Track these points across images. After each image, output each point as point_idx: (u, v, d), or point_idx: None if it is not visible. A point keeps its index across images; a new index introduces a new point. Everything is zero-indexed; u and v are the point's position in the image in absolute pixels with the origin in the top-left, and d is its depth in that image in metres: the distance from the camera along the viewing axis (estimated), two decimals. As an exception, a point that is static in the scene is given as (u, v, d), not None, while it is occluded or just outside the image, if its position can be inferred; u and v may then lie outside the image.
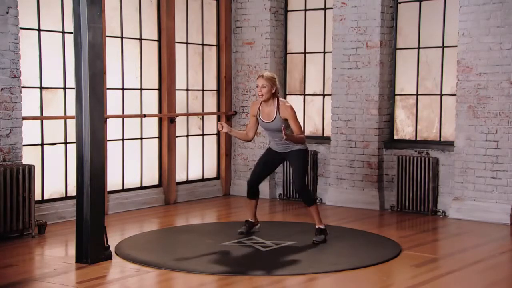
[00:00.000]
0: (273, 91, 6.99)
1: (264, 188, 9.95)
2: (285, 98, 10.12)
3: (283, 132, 6.72)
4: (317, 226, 7.13)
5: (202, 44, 10.01)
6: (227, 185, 10.31)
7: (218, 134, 10.27)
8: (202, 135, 10.09)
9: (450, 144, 8.74)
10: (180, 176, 9.70)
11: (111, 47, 8.66)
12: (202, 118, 10.07)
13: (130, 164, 9.04)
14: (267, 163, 7.33)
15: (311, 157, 9.63)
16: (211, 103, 10.18)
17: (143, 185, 9.24)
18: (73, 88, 6.30)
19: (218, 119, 10.17)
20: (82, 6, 6.07)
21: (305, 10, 9.96)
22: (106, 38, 8.45)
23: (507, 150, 8.20)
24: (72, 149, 7.89)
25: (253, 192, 7.35)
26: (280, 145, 7.12)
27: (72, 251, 6.50)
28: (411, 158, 8.88)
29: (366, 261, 6.41)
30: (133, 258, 6.41)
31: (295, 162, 7.09)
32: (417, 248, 6.98)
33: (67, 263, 6.27)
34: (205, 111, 10.07)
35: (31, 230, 7.30)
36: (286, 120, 6.98)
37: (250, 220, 7.47)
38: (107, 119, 8.39)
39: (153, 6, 9.26)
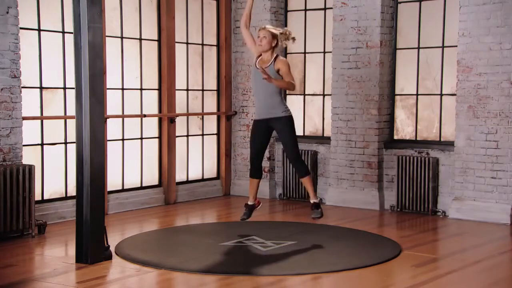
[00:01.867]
0: (273, 45, 7.03)
1: (264, 188, 9.95)
2: (285, 98, 10.11)
3: (263, 73, 6.66)
4: (312, 201, 7.15)
5: (202, 44, 10.01)
6: (227, 185, 10.31)
7: (218, 134, 10.27)
8: (202, 135, 10.09)
9: (450, 144, 8.74)
10: (180, 176, 9.71)
11: (111, 47, 8.66)
12: (202, 118, 10.07)
13: (130, 164, 9.04)
14: (260, 136, 7.19)
15: (311, 157, 9.64)
16: (211, 103, 10.18)
17: (143, 185, 9.24)
18: (73, 88, 6.30)
19: (218, 119, 10.18)
20: (82, 6, 6.07)
21: (305, 10, 9.96)
22: (106, 38, 8.45)
23: (507, 150, 8.20)
24: (72, 149, 7.89)
25: (256, 168, 7.22)
26: (265, 107, 7.01)
27: (72, 251, 6.50)
28: (411, 158, 8.88)
29: (366, 261, 6.41)
30: (133, 258, 6.41)
31: (284, 130, 7.03)
32: (417, 248, 6.98)
33: (67, 263, 6.27)
34: (205, 111, 10.07)
35: (31, 230, 7.30)
36: (278, 72, 6.94)
37: (249, 203, 7.36)
38: (107, 119, 8.39)
39: (153, 6, 9.26)
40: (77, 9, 6.12)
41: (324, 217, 8.63)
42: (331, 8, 9.48)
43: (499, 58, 8.20)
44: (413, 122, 9.16)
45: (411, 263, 6.39)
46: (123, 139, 8.94)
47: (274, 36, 7.04)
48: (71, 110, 7.94)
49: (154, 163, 9.38)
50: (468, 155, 8.45)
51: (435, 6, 8.93)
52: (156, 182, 9.40)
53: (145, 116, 9.08)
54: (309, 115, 10.01)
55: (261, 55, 7.15)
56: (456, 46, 8.55)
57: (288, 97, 10.10)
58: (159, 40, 9.30)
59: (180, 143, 9.69)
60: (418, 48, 9.07)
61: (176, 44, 9.46)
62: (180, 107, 9.66)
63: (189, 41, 9.81)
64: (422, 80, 9.08)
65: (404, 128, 9.27)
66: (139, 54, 9.11)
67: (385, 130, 9.23)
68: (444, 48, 8.88)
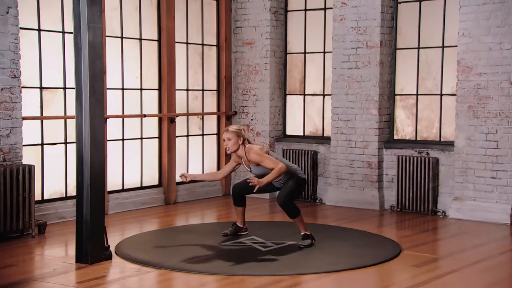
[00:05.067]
0: (240, 143, 6.97)
1: (264, 188, 9.95)
2: (285, 98, 10.14)
3: (251, 184, 6.66)
4: (302, 233, 7.09)
5: (202, 44, 10.01)
6: (227, 185, 10.30)
7: (218, 134, 10.28)
8: (202, 135, 10.09)
9: (450, 144, 8.74)
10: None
11: (111, 47, 8.66)
12: (202, 118, 10.07)
13: (130, 164, 9.04)
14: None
15: (311, 157, 9.64)
16: (211, 103, 10.18)
17: (143, 185, 9.24)
18: (73, 88, 6.30)
19: (218, 119, 10.18)
20: (82, 6, 6.07)
21: (305, 10, 9.96)
22: (106, 38, 8.45)
23: (507, 150, 8.20)
24: (72, 149, 7.90)
25: (239, 199, 7.30)
26: (275, 182, 7.03)
27: (72, 251, 6.50)
28: (411, 158, 8.88)
29: (366, 261, 6.41)
30: (133, 258, 6.41)
31: (287, 184, 6.96)
32: (417, 248, 6.98)
33: (67, 263, 6.27)
34: (205, 111, 10.07)
35: (31, 230, 7.30)
36: (259, 164, 6.91)
37: (238, 224, 7.43)
38: (107, 119, 8.39)
39: (153, 6, 9.26)
40: (77, 9, 6.12)
41: (324, 217, 8.67)
42: (331, 8, 9.48)
43: (499, 58, 8.19)
44: (413, 122, 9.16)
45: (411, 263, 6.39)
46: (123, 139, 8.94)
47: (238, 135, 6.97)
48: (71, 110, 7.94)
49: (154, 163, 9.38)
50: (468, 155, 8.44)
51: (435, 6, 8.93)
52: (156, 182, 9.40)
53: (145, 116, 9.08)
54: (309, 115, 10.01)
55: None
56: (456, 46, 8.55)
57: (288, 97, 10.11)
58: (159, 40, 9.30)
59: (180, 143, 9.69)
60: (418, 48, 9.07)
61: (176, 44, 9.46)
62: (180, 107, 9.66)
63: (189, 41, 9.81)
64: (422, 80, 9.08)
65: (404, 128, 9.27)
66: (139, 54, 9.11)
67: (385, 130, 9.23)
68: (444, 48, 8.87)
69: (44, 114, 7.97)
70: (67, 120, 8.16)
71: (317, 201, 9.65)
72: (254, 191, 6.83)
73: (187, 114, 9.78)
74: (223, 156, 10.25)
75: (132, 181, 9.09)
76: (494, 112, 8.26)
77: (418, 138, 9.11)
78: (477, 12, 8.28)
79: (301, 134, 9.99)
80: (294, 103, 10.06)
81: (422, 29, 9.04)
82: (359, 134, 9.24)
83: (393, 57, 9.25)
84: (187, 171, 9.84)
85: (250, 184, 6.74)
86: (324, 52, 9.79)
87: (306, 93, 10.02)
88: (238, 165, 7.24)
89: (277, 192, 7.12)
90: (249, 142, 7.07)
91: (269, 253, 6.69)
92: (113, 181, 8.78)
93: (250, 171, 7.09)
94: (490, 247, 7.09)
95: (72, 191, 8.04)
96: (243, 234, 7.40)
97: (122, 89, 8.89)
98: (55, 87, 8.10)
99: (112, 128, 8.75)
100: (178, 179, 9.58)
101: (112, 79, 8.68)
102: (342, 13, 9.27)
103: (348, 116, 9.31)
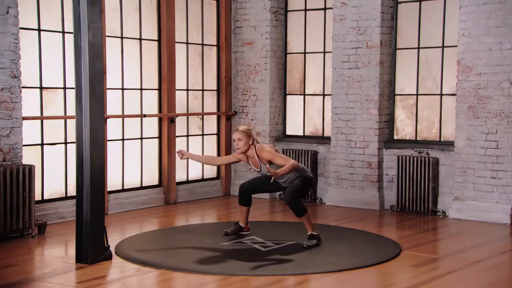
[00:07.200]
0: (250, 143, 7.03)
1: (264, 188, 9.95)
2: (285, 98, 10.13)
3: (268, 172, 6.71)
4: (309, 233, 7.10)
5: (202, 44, 10.01)
6: (227, 185, 10.31)
7: (218, 134, 10.28)
8: (202, 135, 10.09)
9: (450, 144, 8.74)
10: (180, 176, 9.71)
11: (111, 47, 8.66)
12: (202, 118, 10.07)
13: (130, 164, 9.04)
14: (268, 184, 7.14)
15: (311, 157, 9.64)
16: (211, 103, 10.18)
17: (143, 185, 9.24)
18: (73, 88, 6.31)
19: (218, 119, 10.18)
20: (82, 6, 6.07)
21: (305, 10, 9.96)
22: (106, 38, 8.45)
23: (507, 150, 8.20)
24: (72, 149, 7.90)
25: (246, 199, 7.32)
26: (281, 181, 7.08)
27: (72, 251, 6.50)
28: (411, 158, 8.88)
29: (366, 261, 6.41)
30: (133, 258, 6.41)
31: (294, 182, 7.01)
32: (417, 248, 6.98)
33: (67, 263, 6.28)
34: (205, 111, 10.07)
35: (31, 230, 7.30)
36: (271, 162, 6.93)
37: (240, 224, 7.43)
38: (107, 119, 8.39)
39: (153, 6, 9.26)
40: (77, 9, 6.12)
41: (324, 217, 8.67)
42: (331, 8, 9.48)
43: (499, 58, 8.20)
44: (413, 122, 9.16)
45: (411, 263, 6.39)
46: (123, 139, 8.94)
47: (249, 135, 7.02)
48: (71, 110, 7.94)
49: (154, 163, 9.39)
50: (468, 155, 8.45)
51: (435, 6, 8.93)
52: (156, 182, 9.40)
53: (145, 116, 9.08)
54: (309, 115, 10.01)
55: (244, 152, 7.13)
56: (456, 46, 8.55)
57: (288, 97, 10.11)
58: (159, 40, 9.30)
59: (180, 143, 9.69)
60: (418, 48, 9.07)
61: (176, 44, 9.46)
62: (180, 107, 9.66)
63: (189, 41, 9.81)
64: (422, 80, 9.08)
65: (404, 128, 9.27)
66: (139, 54, 9.11)
67: (385, 130, 9.23)
68: (444, 48, 8.88)
69: (44, 114, 7.97)
70: (67, 120, 8.16)
71: (317, 201, 9.66)
72: (271, 181, 6.85)
73: (187, 114, 9.78)
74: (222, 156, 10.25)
75: (132, 181, 9.09)
76: (494, 112, 8.26)
77: (418, 138, 9.11)
78: (477, 12, 8.28)
79: (301, 134, 9.99)
80: (294, 103, 10.06)
81: (422, 29, 9.04)
82: (359, 134, 9.24)
83: (393, 57, 9.25)
84: (187, 171, 9.85)
85: (268, 174, 6.75)
86: (324, 52, 9.79)
87: (306, 93, 10.02)
88: (238, 161, 7.36)
89: (283, 192, 7.18)
90: (257, 142, 7.13)
91: (269, 253, 6.70)
92: (113, 181, 8.78)
93: (259, 170, 7.09)
94: (490, 247, 7.09)
95: (72, 191, 8.04)
96: (244, 234, 7.41)
97: (122, 89, 8.89)
98: (55, 87, 8.10)
99: (112, 128, 8.75)
100: (178, 179, 9.59)
101: (112, 79, 8.68)
102: (342, 13, 9.27)
103: (348, 116, 9.31)
